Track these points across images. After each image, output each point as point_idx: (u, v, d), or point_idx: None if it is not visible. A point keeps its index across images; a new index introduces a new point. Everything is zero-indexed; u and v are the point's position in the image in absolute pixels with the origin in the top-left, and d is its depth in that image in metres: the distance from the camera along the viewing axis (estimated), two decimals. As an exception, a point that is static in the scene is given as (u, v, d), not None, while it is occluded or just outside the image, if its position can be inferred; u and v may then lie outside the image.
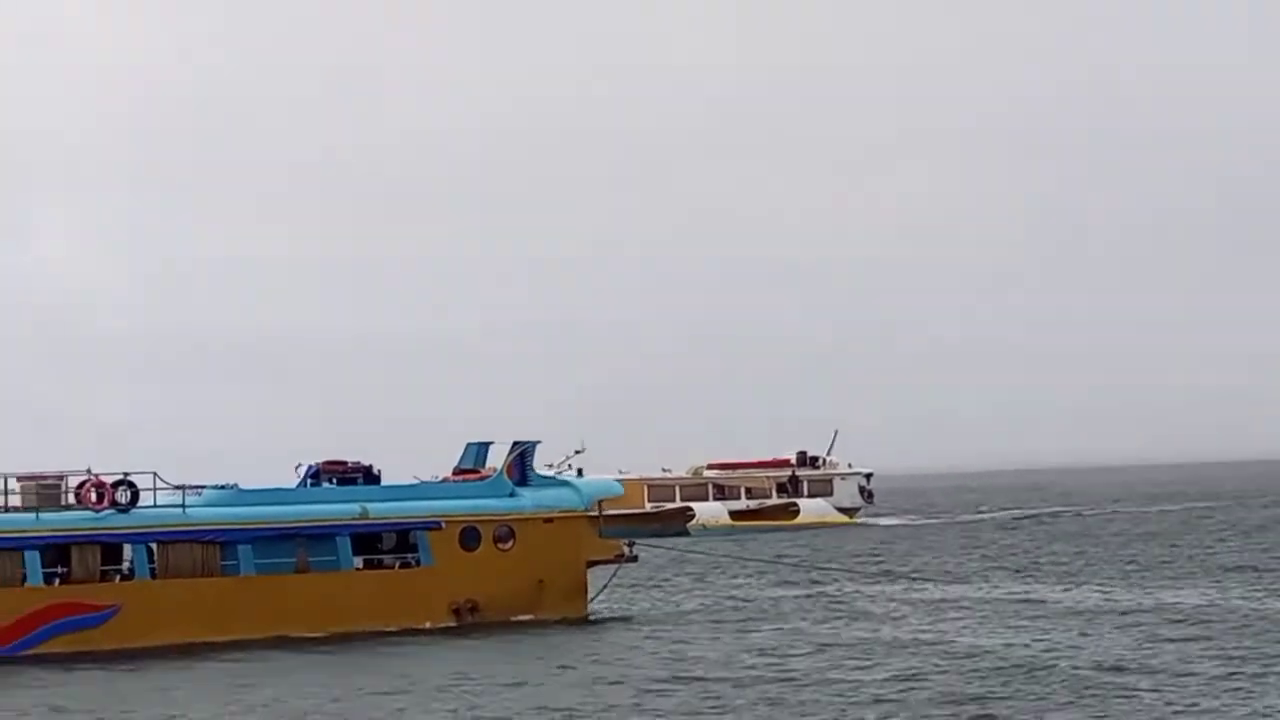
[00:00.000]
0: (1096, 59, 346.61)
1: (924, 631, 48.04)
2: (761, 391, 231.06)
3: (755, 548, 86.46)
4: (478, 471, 54.86)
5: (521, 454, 54.30)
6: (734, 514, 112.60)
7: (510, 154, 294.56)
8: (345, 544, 51.44)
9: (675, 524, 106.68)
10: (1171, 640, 44.29)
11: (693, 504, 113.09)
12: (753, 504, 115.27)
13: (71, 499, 49.73)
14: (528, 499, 53.78)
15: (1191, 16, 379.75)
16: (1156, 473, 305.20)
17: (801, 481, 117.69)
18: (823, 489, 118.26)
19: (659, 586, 66.06)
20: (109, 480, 49.57)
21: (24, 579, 48.26)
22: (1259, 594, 55.93)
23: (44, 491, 49.60)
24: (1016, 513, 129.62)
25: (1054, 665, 40.08)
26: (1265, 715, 33.68)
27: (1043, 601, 55.25)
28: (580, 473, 57.80)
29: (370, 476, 53.66)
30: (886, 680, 39.01)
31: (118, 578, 49.54)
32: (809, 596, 59.78)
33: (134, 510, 49.57)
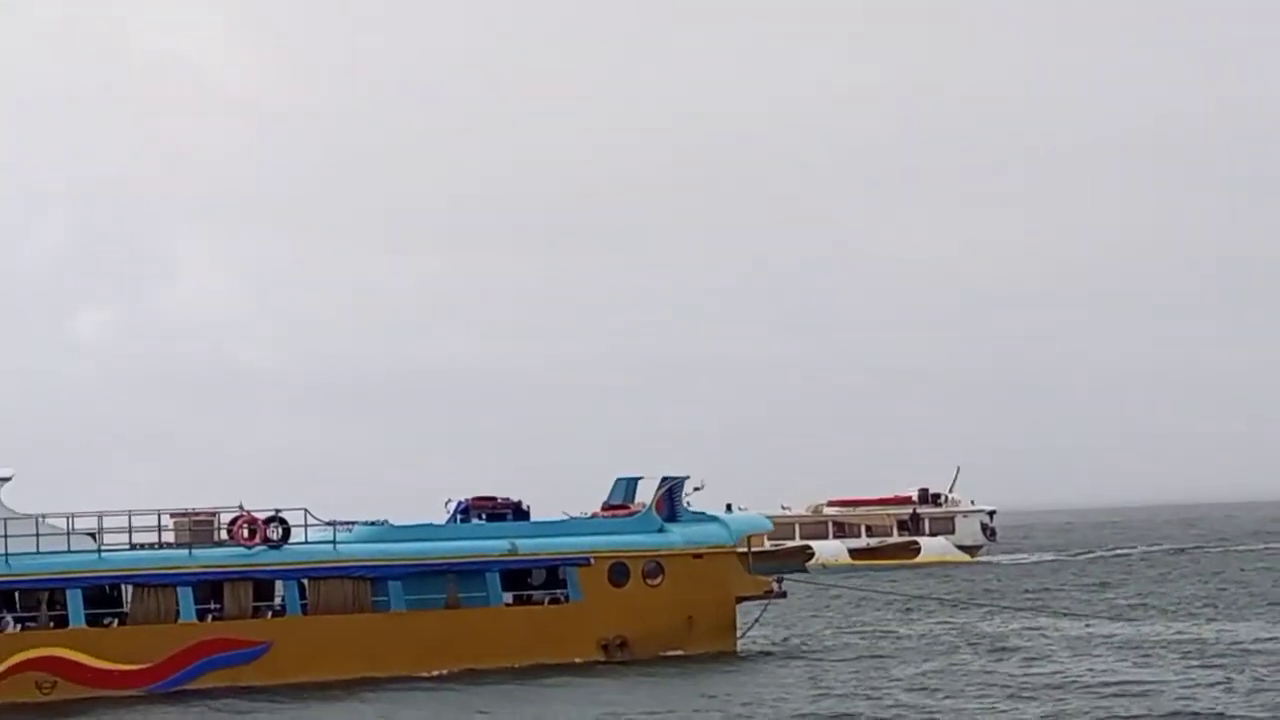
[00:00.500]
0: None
1: (1069, 667, 47.43)
2: (892, 424, 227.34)
3: (897, 585, 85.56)
4: (626, 507, 54.72)
5: (670, 489, 54.14)
6: (853, 552, 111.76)
7: (652, 186, 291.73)
8: (495, 580, 51.32)
9: (794, 563, 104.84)
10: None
11: (812, 542, 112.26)
12: (873, 542, 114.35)
13: (224, 535, 49.83)
14: (677, 535, 53.52)
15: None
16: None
17: (923, 519, 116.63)
18: (944, 527, 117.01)
19: (804, 622, 65.48)
20: (261, 516, 49.68)
21: (177, 615, 48.35)
22: None
23: (197, 528, 49.81)
24: (1146, 549, 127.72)
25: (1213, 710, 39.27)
26: None
27: (1198, 640, 54.31)
28: (729, 508, 57.45)
29: (519, 512, 53.67)
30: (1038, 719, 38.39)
31: (269, 614, 49.58)
32: (958, 633, 59.04)
33: (285, 547, 49.65)
